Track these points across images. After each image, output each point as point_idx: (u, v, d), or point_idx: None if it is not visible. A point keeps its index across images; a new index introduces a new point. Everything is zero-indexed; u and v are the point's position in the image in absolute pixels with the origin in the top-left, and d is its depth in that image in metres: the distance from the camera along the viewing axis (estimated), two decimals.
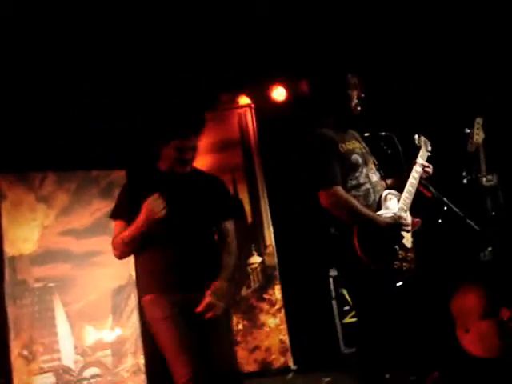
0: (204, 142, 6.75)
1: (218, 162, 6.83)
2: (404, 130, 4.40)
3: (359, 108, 4.06)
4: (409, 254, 3.94)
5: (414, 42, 6.04)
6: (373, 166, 4.12)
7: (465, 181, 5.41)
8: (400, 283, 3.87)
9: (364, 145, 4.18)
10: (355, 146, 4.05)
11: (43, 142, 6.60)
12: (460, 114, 5.54)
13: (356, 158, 3.98)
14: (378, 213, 3.91)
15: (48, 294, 6.27)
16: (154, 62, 6.24)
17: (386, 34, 6.06)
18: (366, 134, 4.22)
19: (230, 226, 4.07)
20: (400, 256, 3.87)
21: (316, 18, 6.03)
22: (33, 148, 6.58)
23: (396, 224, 3.89)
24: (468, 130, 5.31)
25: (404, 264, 3.89)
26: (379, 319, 3.84)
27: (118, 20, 5.68)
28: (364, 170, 4.01)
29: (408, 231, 3.96)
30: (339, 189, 3.83)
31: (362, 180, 3.97)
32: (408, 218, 4.00)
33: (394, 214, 3.92)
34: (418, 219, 4.10)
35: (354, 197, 3.89)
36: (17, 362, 5.91)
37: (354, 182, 3.94)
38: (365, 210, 3.85)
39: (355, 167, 3.96)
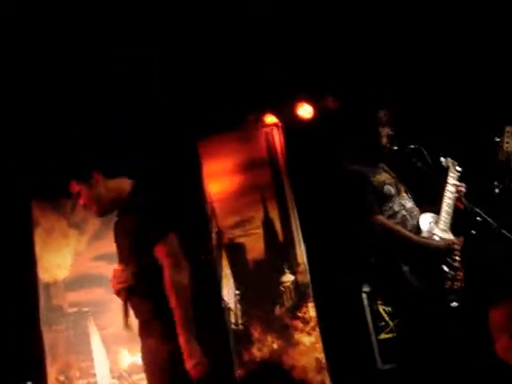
0: (231, 162, 6.90)
1: (246, 181, 6.84)
2: (432, 142, 4.39)
3: (389, 145, 4.14)
4: (458, 273, 3.96)
5: (440, 50, 6.01)
6: (405, 194, 4.22)
7: (497, 190, 5.35)
8: (456, 304, 3.88)
9: (393, 174, 4.28)
10: (386, 177, 4.16)
11: (73, 169, 6.67)
12: (489, 122, 5.48)
13: (388, 188, 4.09)
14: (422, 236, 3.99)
15: (83, 318, 6.31)
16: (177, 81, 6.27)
17: (410, 42, 6.03)
18: (395, 148, 4.22)
19: None
20: (450, 276, 3.89)
21: (341, 37, 6.03)
22: (64, 175, 6.66)
23: (448, 248, 3.95)
24: (498, 139, 5.25)
25: (455, 283, 3.91)
26: (432, 343, 3.84)
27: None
28: (397, 199, 4.11)
29: (459, 254, 3.99)
30: (382, 218, 3.97)
31: (396, 208, 4.06)
32: (454, 239, 4.04)
33: (443, 238, 4.00)
34: (461, 238, 4.10)
35: None
36: None
37: (389, 212, 4.04)
38: (416, 237, 3.96)
39: (388, 197, 4.07)
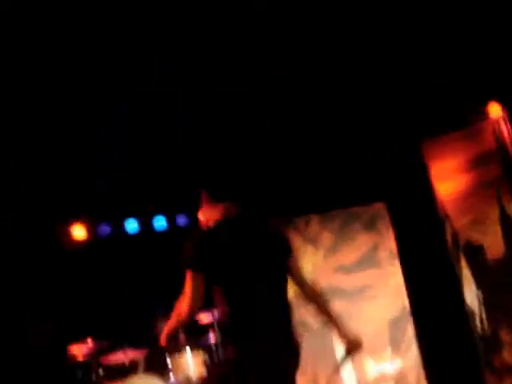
0: (458, 160, 6.65)
1: (476, 178, 6.53)
2: None
3: None
4: None
5: None
6: None
7: None
8: None
9: None
10: None
11: (303, 189, 6.91)
12: None
13: None
14: None
15: (327, 330, 6.41)
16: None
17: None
18: None
19: None
20: None
21: None
22: (295, 195, 6.92)
23: None
24: None
25: None
26: None
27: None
28: None
29: None
30: None
31: None
32: None
33: None
34: None
35: None
36: None
37: None
38: None
39: None
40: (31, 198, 6.54)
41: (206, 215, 3.58)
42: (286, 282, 3.52)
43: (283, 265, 3.48)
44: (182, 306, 3.37)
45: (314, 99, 6.22)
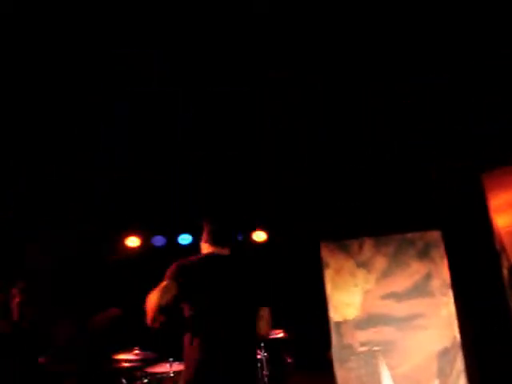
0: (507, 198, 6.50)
1: None
2: None
3: None
4: None
5: None
6: None
7: None
8: None
9: None
10: None
11: (358, 211, 6.88)
12: None
13: None
14: None
15: (373, 357, 6.36)
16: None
17: None
18: None
19: None
20: None
21: None
22: (350, 217, 6.90)
23: None
24: None
25: None
26: None
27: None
28: None
29: None
30: None
31: None
32: None
33: None
34: None
35: None
36: None
37: None
38: None
39: None
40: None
41: (203, 246, 4.23)
42: (250, 325, 4.01)
43: (252, 309, 3.87)
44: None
45: (360, 114, 6.18)
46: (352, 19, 5.32)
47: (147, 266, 7.39)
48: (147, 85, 5.72)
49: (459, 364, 6.30)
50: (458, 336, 6.40)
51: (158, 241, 7.46)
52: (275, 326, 6.51)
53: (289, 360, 6.68)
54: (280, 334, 6.63)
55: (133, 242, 7.42)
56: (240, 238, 7.60)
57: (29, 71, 5.51)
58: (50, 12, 5.00)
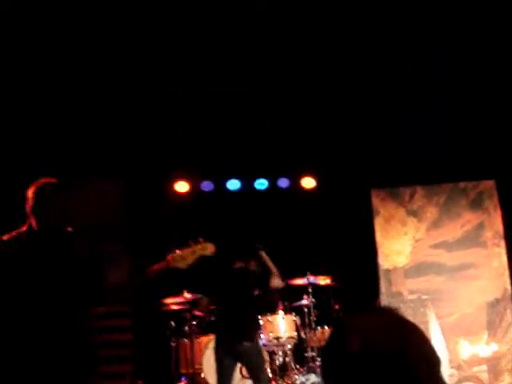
0: None
1: None
2: None
3: None
4: None
5: None
6: None
7: None
8: None
9: None
10: None
11: (410, 158, 6.77)
12: None
13: None
14: None
15: (422, 306, 6.33)
16: None
17: None
18: None
19: None
20: None
21: None
22: (401, 165, 6.79)
23: None
24: None
25: None
26: None
27: None
28: None
29: None
30: None
31: None
32: None
33: None
34: None
35: None
36: None
37: None
38: None
39: None
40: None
41: None
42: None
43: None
44: None
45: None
46: None
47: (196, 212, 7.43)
48: None
49: (509, 316, 6.23)
50: (509, 288, 6.31)
51: (207, 186, 7.44)
52: (323, 273, 6.53)
53: (336, 307, 6.67)
54: (327, 281, 6.61)
55: (182, 186, 7.43)
56: (287, 183, 7.54)
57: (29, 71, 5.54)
58: (49, 12, 5.10)
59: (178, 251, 3.21)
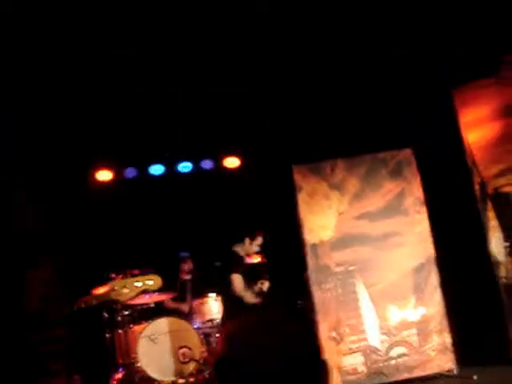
0: (489, 108, 6.50)
1: (507, 127, 6.39)
2: None
3: None
4: None
5: None
6: None
7: None
8: None
9: None
10: None
11: (328, 133, 6.85)
12: None
13: None
14: None
15: (350, 277, 6.44)
16: None
17: None
18: None
19: None
20: None
21: None
22: (320, 139, 6.87)
23: None
24: None
25: None
26: None
27: None
28: None
29: None
30: None
31: None
32: None
33: None
34: None
35: None
36: (327, 344, 6.18)
37: None
38: None
39: None
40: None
41: None
42: None
43: None
44: None
45: None
46: None
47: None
48: None
49: (434, 279, 6.42)
50: (432, 252, 6.50)
51: (130, 173, 7.37)
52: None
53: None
54: (259, 259, 6.67)
55: (104, 175, 7.33)
56: (210, 165, 7.54)
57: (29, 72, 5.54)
58: (49, 13, 5.08)
59: (119, 279, 3.06)
